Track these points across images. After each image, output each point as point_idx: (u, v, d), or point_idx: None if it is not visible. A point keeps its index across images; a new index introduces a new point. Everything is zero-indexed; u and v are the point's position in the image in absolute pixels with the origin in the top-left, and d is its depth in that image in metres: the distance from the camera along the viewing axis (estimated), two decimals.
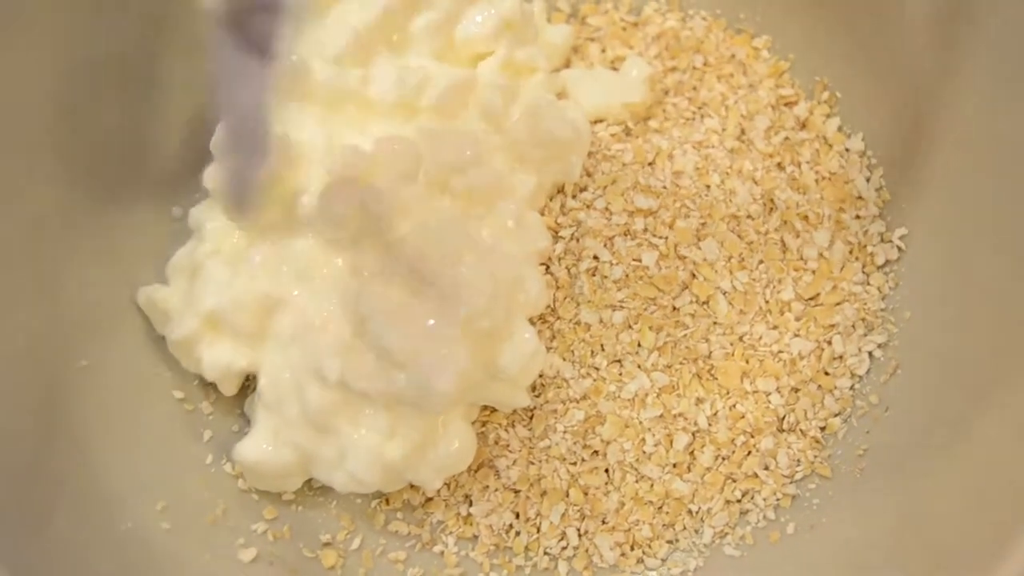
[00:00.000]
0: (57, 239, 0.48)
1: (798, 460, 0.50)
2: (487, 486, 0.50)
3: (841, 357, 0.51)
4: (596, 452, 0.50)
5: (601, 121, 0.55)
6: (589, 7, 0.60)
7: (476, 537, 0.50)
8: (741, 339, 0.51)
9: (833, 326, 0.51)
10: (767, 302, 0.51)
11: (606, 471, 0.50)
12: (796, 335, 0.51)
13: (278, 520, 0.50)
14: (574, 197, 0.53)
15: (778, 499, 0.50)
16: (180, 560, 0.47)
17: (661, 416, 0.49)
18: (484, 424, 0.50)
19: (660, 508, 0.50)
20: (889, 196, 0.53)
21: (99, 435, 0.47)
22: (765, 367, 0.50)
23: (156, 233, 0.52)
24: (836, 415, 0.50)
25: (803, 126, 0.55)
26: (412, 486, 0.50)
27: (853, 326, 0.51)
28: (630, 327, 0.50)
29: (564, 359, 0.50)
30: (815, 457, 0.50)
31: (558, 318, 0.50)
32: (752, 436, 0.50)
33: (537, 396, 0.50)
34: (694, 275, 0.51)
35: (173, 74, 0.52)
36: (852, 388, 0.51)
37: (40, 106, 0.47)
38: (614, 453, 0.49)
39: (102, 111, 0.50)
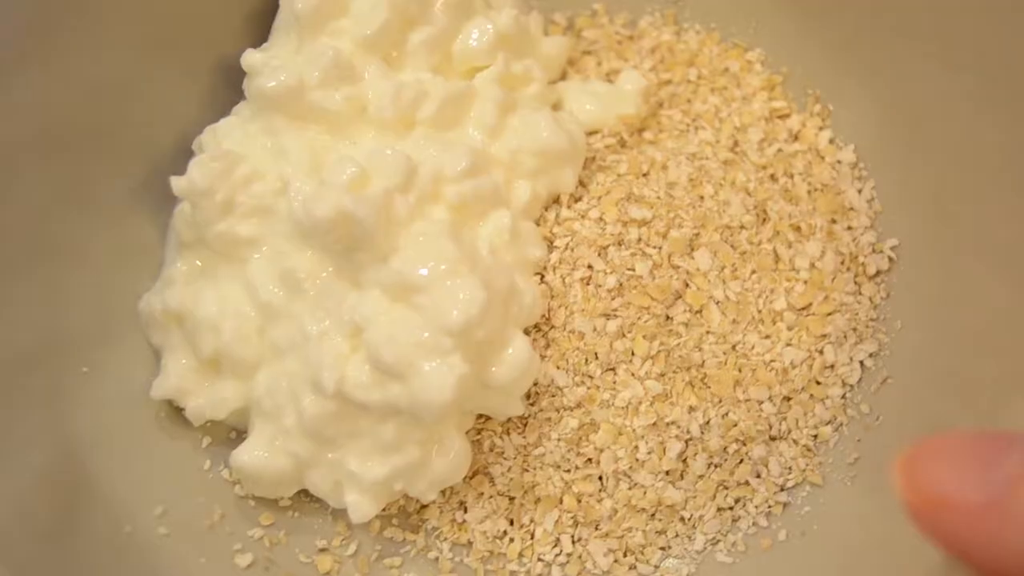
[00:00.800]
0: (60, 246, 0.49)
1: (790, 468, 0.50)
2: (482, 493, 0.51)
3: (832, 366, 0.51)
4: (590, 460, 0.50)
5: (596, 132, 0.56)
6: (585, 20, 0.61)
7: (471, 543, 0.50)
8: (734, 348, 0.51)
9: (825, 336, 0.52)
10: (760, 312, 0.52)
11: (599, 478, 0.50)
12: (788, 344, 0.51)
13: (274, 526, 0.50)
14: (569, 207, 0.53)
15: (770, 506, 0.50)
16: (177, 565, 0.47)
17: (654, 424, 0.50)
18: (479, 432, 0.51)
19: (653, 515, 0.50)
20: (880, 207, 0.53)
21: (99, 441, 0.48)
22: (757, 376, 0.51)
23: (159, 242, 0.53)
24: (827, 424, 0.51)
25: (796, 138, 0.56)
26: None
27: (844, 336, 0.52)
28: (624, 336, 0.51)
29: (558, 367, 0.51)
30: (806, 465, 0.50)
31: (552, 327, 0.51)
32: (744, 444, 0.50)
33: (531, 404, 0.50)
34: (687, 284, 0.51)
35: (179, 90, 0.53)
36: (843, 397, 0.51)
37: (42, 110, 0.48)
38: (607, 460, 0.50)
39: (108, 119, 0.51)
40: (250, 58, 0.50)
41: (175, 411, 0.51)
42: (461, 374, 0.44)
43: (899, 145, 0.52)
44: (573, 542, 0.50)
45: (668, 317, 0.51)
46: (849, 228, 0.54)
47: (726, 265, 0.52)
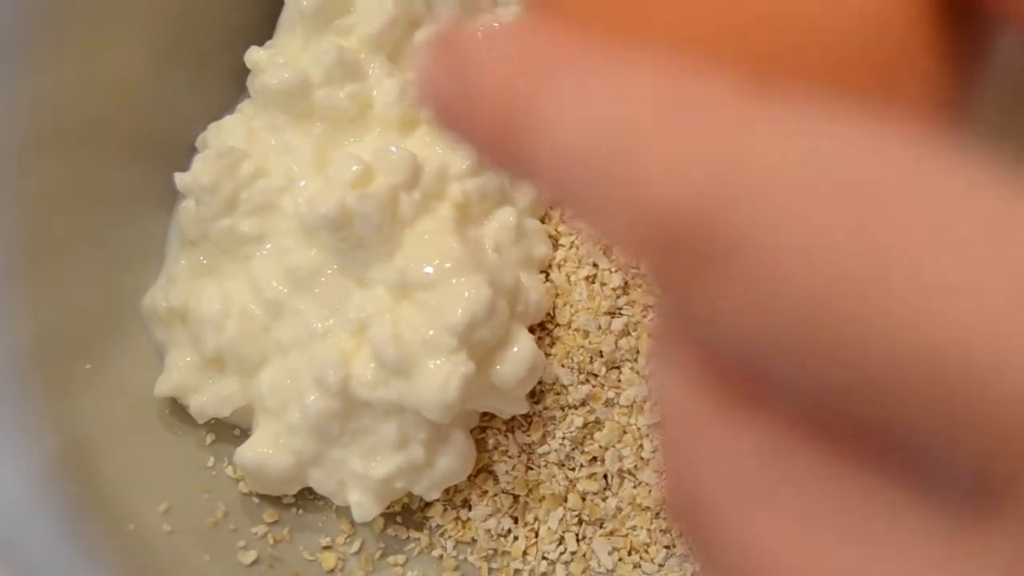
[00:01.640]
0: (64, 242, 0.49)
1: None
2: (486, 491, 0.51)
3: None
4: (594, 458, 0.50)
5: None
6: None
7: (474, 541, 0.51)
8: None
9: None
10: None
11: (604, 476, 0.50)
12: None
13: (279, 523, 0.50)
14: None
15: None
16: (181, 562, 0.47)
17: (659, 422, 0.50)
18: (483, 430, 0.51)
19: (657, 514, 0.50)
20: None
21: (102, 438, 0.48)
22: None
23: (163, 239, 0.53)
24: None
25: None
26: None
27: None
28: (629, 334, 0.51)
29: (563, 365, 0.50)
30: None
31: (557, 325, 0.51)
32: None
33: (536, 402, 0.50)
34: None
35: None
36: None
37: (46, 107, 0.48)
38: (612, 459, 0.50)
39: (113, 116, 0.51)
40: (255, 55, 0.50)
41: (179, 408, 0.51)
42: (466, 372, 0.44)
43: None
44: (578, 540, 0.50)
45: None
46: None
47: None
